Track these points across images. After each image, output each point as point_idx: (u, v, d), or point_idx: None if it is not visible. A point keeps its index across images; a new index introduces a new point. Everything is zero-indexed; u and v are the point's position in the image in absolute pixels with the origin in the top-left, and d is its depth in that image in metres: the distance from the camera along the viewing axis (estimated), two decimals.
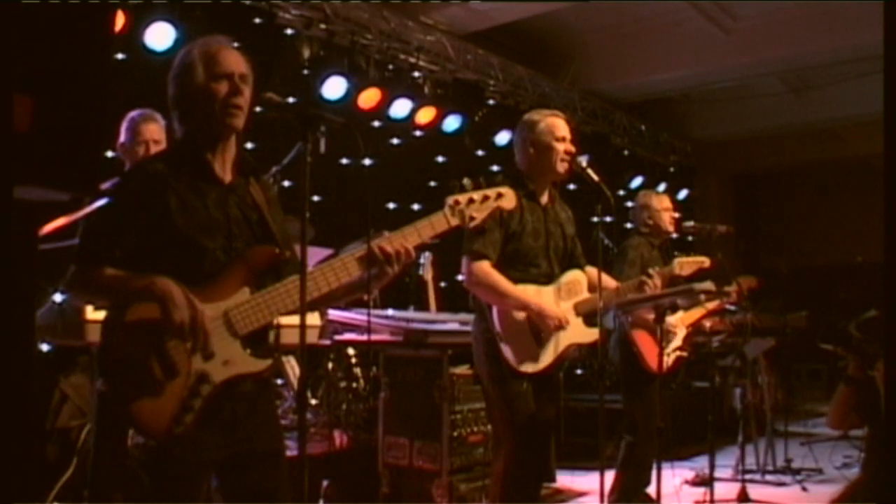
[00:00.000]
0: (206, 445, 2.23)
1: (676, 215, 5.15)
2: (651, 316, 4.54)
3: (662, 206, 5.07)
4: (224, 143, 2.37)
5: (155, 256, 2.21)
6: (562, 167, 3.65)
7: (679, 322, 4.95)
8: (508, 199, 2.64)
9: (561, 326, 3.51)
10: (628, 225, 5.33)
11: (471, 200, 2.53)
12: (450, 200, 2.51)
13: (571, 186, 3.88)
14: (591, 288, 3.70)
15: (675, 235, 5.22)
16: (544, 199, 3.73)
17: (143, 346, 2.17)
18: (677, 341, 4.91)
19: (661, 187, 10.47)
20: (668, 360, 4.81)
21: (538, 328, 3.53)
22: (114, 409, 2.23)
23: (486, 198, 2.57)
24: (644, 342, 4.69)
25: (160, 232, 2.23)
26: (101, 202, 2.31)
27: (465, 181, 2.64)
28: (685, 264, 4.48)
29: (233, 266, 2.28)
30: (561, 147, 3.65)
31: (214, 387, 2.20)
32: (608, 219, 3.58)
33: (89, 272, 2.22)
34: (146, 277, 2.17)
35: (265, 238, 2.38)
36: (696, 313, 5.06)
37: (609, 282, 4.03)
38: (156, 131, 3.55)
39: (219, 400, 2.23)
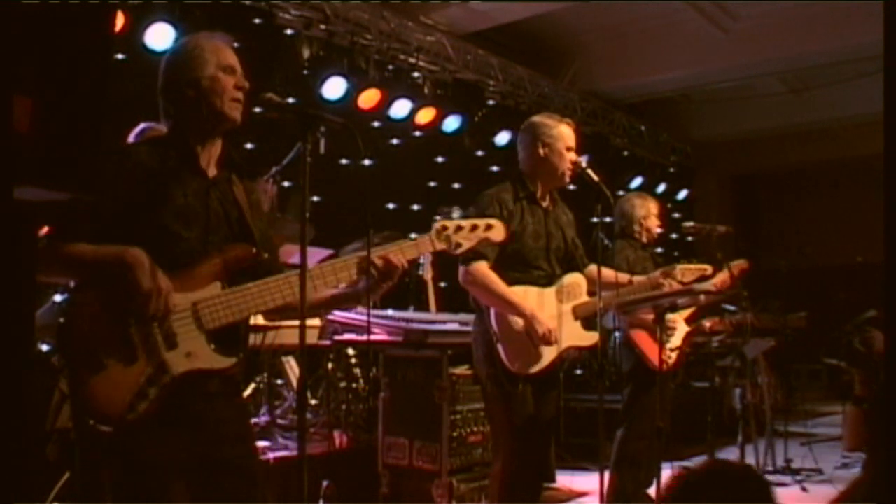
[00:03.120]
0: (170, 444, 2.18)
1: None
2: (649, 315, 4.55)
3: (649, 212, 5.07)
4: (214, 138, 2.36)
5: (129, 240, 2.16)
6: (568, 175, 3.68)
7: (677, 316, 4.94)
8: (497, 231, 2.66)
9: (549, 340, 3.50)
10: None
11: (458, 228, 2.55)
12: (437, 225, 2.54)
13: (571, 186, 3.87)
14: (591, 289, 3.70)
15: (674, 236, 5.22)
16: (545, 201, 3.74)
17: (105, 328, 2.13)
18: (677, 339, 4.90)
19: (661, 187, 10.48)
20: (672, 357, 4.81)
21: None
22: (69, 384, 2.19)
23: (474, 227, 2.59)
24: (643, 340, 4.69)
25: (136, 216, 2.21)
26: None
27: (454, 211, 2.71)
28: (687, 271, 4.48)
29: (208, 258, 2.25)
30: (572, 156, 3.67)
31: (173, 378, 2.15)
32: (608, 219, 3.58)
33: (61, 246, 2.16)
34: (118, 247, 2.14)
35: (243, 236, 2.35)
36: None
37: (621, 277, 4.04)
38: None
39: (182, 397, 2.18)
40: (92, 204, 2.19)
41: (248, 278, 2.29)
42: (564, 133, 3.69)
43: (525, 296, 3.55)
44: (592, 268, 3.77)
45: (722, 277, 4.95)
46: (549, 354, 3.55)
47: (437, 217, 2.78)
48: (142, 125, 3.60)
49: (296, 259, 2.29)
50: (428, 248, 2.50)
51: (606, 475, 4.33)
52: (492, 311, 3.54)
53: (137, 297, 2.10)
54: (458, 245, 2.55)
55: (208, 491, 2.26)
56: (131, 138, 3.61)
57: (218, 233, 2.31)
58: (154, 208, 2.22)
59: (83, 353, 2.12)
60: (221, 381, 2.28)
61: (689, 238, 7.01)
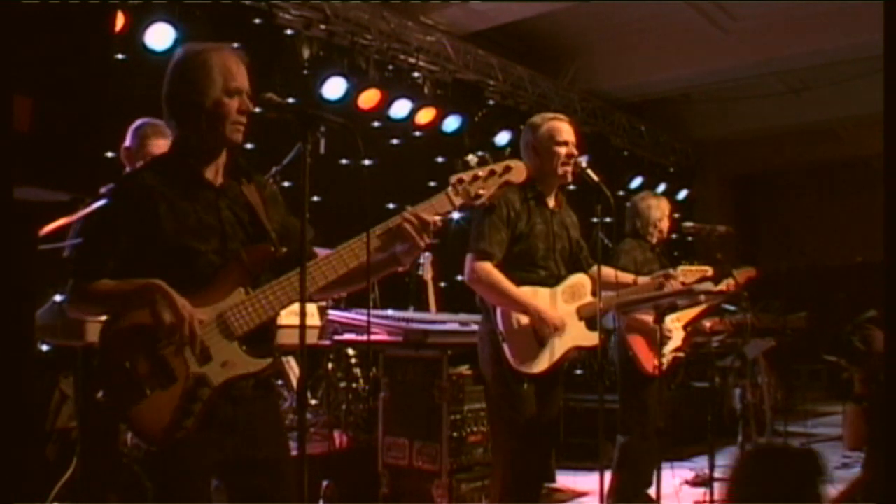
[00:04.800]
0: (205, 447, 2.22)
1: (676, 216, 5.16)
2: (647, 317, 4.55)
3: (664, 213, 5.07)
4: (217, 151, 2.36)
5: (148, 264, 2.20)
6: (564, 171, 3.65)
7: (675, 324, 4.94)
8: (518, 171, 2.53)
9: (558, 331, 3.50)
10: None
11: (475, 177, 2.44)
12: (453, 179, 2.43)
13: (571, 186, 3.87)
14: (596, 290, 3.70)
15: (674, 236, 5.22)
16: (552, 202, 3.73)
17: (139, 353, 2.16)
18: (674, 343, 4.90)
19: (661, 187, 10.47)
20: (665, 361, 4.81)
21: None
22: (110, 415, 2.22)
23: (492, 172, 2.47)
24: (638, 345, 4.69)
25: (151, 240, 2.22)
26: (99, 204, 2.30)
27: (470, 157, 2.51)
28: (688, 272, 4.48)
29: (227, 267, 2.27)
30: (563, 151, 3.64)
31: (213, 389, 2.20)
32: (608, 219, 3.58)
33: (86, 287, 2.21)
34: (140, 281, 2.17)
35: (259, 237, 2.35)
36: (690, 312, 5.05)
37: (623, 277, 4.03)
38: (164, 147, 3.53)
39: (220, 403, 2.22)
40: (106, 236, 2.25)
41: (272, 275, 2.31)
42: (554, 128, 3.66)
43: (534, 295, 3.56)
44: (596, 268, 3.77)
45: (728, 285, 4.96)
46: (551, 356, 3.55)
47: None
48: (139, 121, 3.60)
49: None
50: (446, 205, 2.42)
51: (607, 475, 4.33)
52: (498, 311, 3.54)
53: (162, 331, 2.14)
54: (478, 195, 2.44)
55: (243, 491, 2.31)
56: (129, 135, 3.60)
57: (235, 240, 2.32)
58: (169, 230, 2.23)
59: (122, 381, 2.15)
60: (256, 385, 2.32)
61: (689, 238, 7.00)
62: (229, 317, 2.23)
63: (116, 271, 2.21)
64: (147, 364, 2.16)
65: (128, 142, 3.61)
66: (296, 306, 2.24)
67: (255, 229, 2.37)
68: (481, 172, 2.46)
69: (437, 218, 2.37)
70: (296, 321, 2.21)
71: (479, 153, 2.54)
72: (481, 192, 2.45)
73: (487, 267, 3.50)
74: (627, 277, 4.09)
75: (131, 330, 2.17)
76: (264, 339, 2.33)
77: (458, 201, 2.43)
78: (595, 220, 3.67)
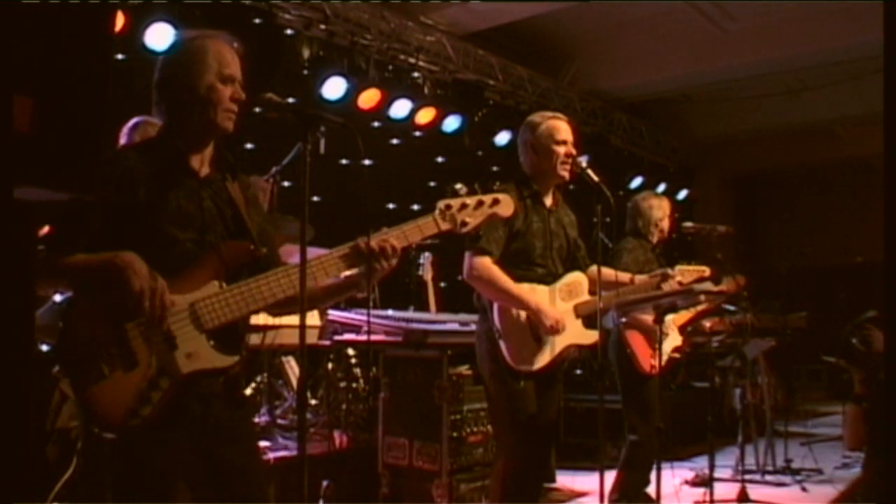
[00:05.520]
0: (172, 446, 2.17)
1: (676, 215, 5.16)
2: (645, 317, 4.55)
3: (666, 213, 5.07)
4: (205, 141, 2.34)
5: (123, 246, 2.14)
6: (562, 170, 3.66)
7: (671, 323, 4.94)
8: (505, 205, 2.55)
9: (557, 330, 3.51)
10: None
11: (463, 205, 2.45)
12: (441, 204, 2.44)
13: (571, 186, 3.87)
14: (593, 289, 3.70)
15: (673, 236, 5.22)
16: (549, 201, 3.74)
17: (103, 334, 2.12)
18: (667, 346, 4.90)
19: (661, 187, 10.47)
20: (664, 361, 4.81)
21: (537, 326, 3.53)
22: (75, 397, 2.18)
23: (480, 203, 2.48)
24: (637, 343, 4.69)
25: (129, 221, 2.18)
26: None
27: (459, 186, 2.56)
28: (686, 272, 4.48)
29: (205, 258, 2.23)
30: (561, 150, 3.64)
31: (175, 380, 2.14)
32: (608, 219, 3.58)
33: (57, 259, 2.15)
34: (109, 253, 2.12)
35: (239, 234, 2.33)
36: (686, 314, 5.06)
37: (622, 276, 4.04)
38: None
39: (184, 398, 2.17)
40: (84, 213, 2.20)
41: (248, 274, 2.27)
42: (552, 127, 3.67)
43: (532, 292, 3.56)
44: (594, 268, 3.77)
45: (728, 285, 4.96)
46: (548, 354, 3.55)
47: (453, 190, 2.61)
48: (135, 119, 3.60)
49: (296, 258, 2.27)
50: (432, 229, 2.41)
51: (607, 475, 4.33)
52: (495, 309, 3.54)
53: (131, 299, 2.08)
54: (465, 223, 2.44)
55: (211, 492, 2.25)
56: (125, 132, 3.60)
57: (214, 232, 2.29)
58: (148, 212, 2.20)
59: (83, 363, 2.10)
60: (225, 383, 2.27)
61: (689, 238, 7.01)
62: (201, 308, 2.19)
63: (90, 249, 2.15)
64: (109, 344, 2.11)
65: (123, 139, 3.60)
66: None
67: (236, 225, 2.34)
68: (469, 201, 2.47)
69: (399, 246, 2.34)
70: (296, 321, 2.20)
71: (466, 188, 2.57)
72: (468, 220, 2.45)
73: (486, 263, 3.51)
74: (626, 277, 4.10)
75: (96, 308, 2.12)
76: (234, 337, 2.27)
77: (444, 226, 2.42)
78: (595, 220, 3.67)
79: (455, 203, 2.45)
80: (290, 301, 2.30)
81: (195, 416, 2.21)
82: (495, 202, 2.52)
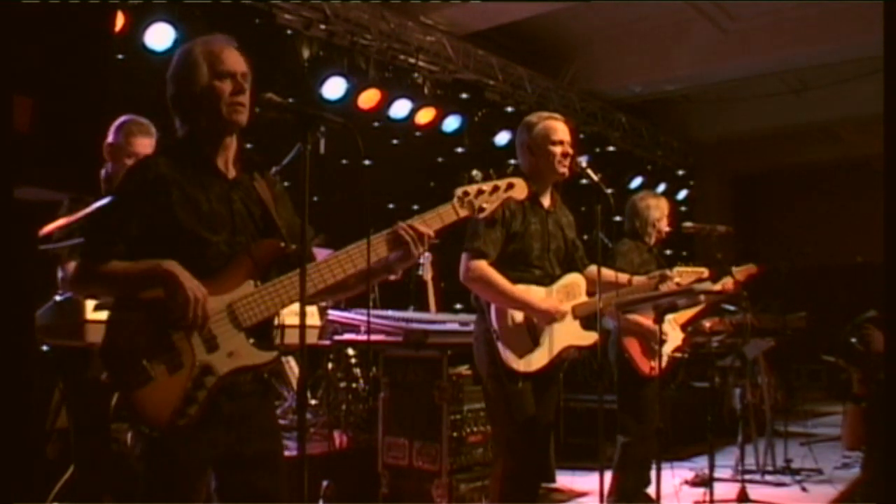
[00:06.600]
0: (202, 442, 2.23)
1: (668, 222, 5.15)
2: (643, 319, 4.54)
3: (663, 213, 5.06)
4: (226, 140, 2.38)
5: (158, 251, 2.22)
6: (560, 169, 3.65)
7: (672, 323, 4.94)
8: (520, 188, 2.64)
9: (554, 318, 3.51)
10: None
11: (480, 191, 2.54)
12: (458, 192, 2.52)
13: (574, 185, 3.87)
14: (591, 290, 3.70)
15: (671, 234, 5.21)
16: (547, 201, 3.73)
17: (147, 341, 2.18)
18: (672, 343, 4.90)
19: (661, 187, 10.47)
20: (664, 362, 4.80)
21: (535, 327, 3.53)
22: (110, 401, 2.21)
23: (496, 188, 2.58)
24: (633, 347, 4.68)
25: (163, 226, 2.24)
26: (104, 200, 2.30)
27: (475, 172, 2.64)
28: (684, 273, 4.48)
29: (237, 259, 2.30)
30: (558, 150, 3.63)
31: (219, 378, 2.21)
32: (607, 219, 3.58)
33: (95, 266, 2.23)
34: (153, 261, 2.19)
35: (269, 232, 2.39)
36: (687, 313, 5.05)
37: (621, 277, 4.04)
38: (148, 146, 3.51)
39: (219, 397, 2.23)
40: (118, 220, 2.27)
41: (278, 271, 2.34)
42: (549, 127, 3.66)
43: (528, 293, 3.56)
44: (592, 268, 3.77)
45: (725, 283, 4.95)
46: (546, 354, 3.55)
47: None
48: (123, 118, 3.59)
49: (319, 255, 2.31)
50: (452, 216, 2.50)
51: (606, 475, 4.33)
52: (492, 310, 3.54)
53: (176, 309, 2.16)
54: (482, 209, 2.54)
55: (236, 487, 2.32)
56: (112, 131, 3.59)
57: (244, 233, 2.35)
58: (180, 217, 2.25)
59: (128, 368, 2.17)
60: (255, 381, 2.34)
61: (689, 238, 7.01)
62: (238, 307, 2.26)
63: (125, 255, 2.23)
64: (155, 348, 2.18)
65: (111, 138, 3.59)
66: (296, 306, 2.26)
67: (265, 224, 2.40)
68: (486, 187, 2.57)
69: (433, 231, 2.43)
70: (296, 321, 2.22)
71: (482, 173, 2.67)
72: (485, 205, 2.55)
73: (482, 265, 3.51)
74: (625, 278, 4.10)
75: (141, 313, 2.19)
76: (267, 334, 2.36)
77: (462, 213, 2.52)
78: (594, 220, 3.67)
79: (472, 189, 2.54)
80: (325, 290, 2.39)
81: (224, 413, 2.27)
82: (510, 186, 2.61)
